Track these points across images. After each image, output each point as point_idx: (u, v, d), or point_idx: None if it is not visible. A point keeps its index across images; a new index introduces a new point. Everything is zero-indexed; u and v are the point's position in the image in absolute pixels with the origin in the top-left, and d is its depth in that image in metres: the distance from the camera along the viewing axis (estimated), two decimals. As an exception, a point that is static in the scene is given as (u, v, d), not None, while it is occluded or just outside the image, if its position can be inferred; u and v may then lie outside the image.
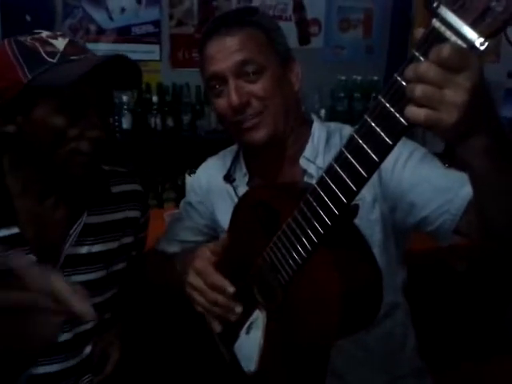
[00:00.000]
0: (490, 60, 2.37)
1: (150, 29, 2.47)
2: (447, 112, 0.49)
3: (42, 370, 0.89)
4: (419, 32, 0.51)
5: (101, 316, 0.97)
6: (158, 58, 2.51)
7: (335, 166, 0.62)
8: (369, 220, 0.87)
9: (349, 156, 0.60)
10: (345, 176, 0.61)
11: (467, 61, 0.48)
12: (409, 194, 0.82)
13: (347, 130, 0.95)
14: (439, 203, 0.78)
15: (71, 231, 0.91)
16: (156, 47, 2.50)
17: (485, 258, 1.66)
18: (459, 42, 0.48)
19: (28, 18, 2.17)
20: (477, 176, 0.60)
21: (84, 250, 0.93)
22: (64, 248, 0.90)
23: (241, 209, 0.84)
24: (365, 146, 0.58)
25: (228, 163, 1.02)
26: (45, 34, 0.83)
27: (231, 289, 0.78)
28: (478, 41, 0.47)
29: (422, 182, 0.81)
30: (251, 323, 0.80)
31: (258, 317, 0.79)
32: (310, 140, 0.94)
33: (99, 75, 0.79)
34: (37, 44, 0.80)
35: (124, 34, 2.42)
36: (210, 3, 2.55)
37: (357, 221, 0.75)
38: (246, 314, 0.80)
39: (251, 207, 0.80)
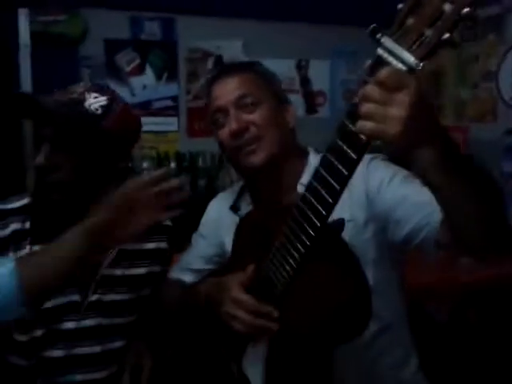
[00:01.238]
0: (488, 120, 2.49)
1: (169, 103, 2.71)
2: (390, 125, 0.58)
3: (66, 378, 0.99)
4: (368, 62, 0.62)
5: (124, 339, 1.05)
6: (176, 129, 2.72)
7: (313, 182, 0.72)
8: (362, 240, 0.94)
9: (323, 172, 0.70)
10: (322, 190, 0.70)
11: (404, 81, 0.58)
12: (393, 212, 0.90)
13: None
14: (420, 217, 0.85)
15: (109, 253, 1.03)
16: (174, 119, 2.72)
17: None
18: (400, 65, 0.60)
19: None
20: (434, 189, 0.67)
21: (118, 272, 1.05)
22: (102, 267, 1.02)
23: (240, 232, 0.93)
24: (335, 162, 0.68)
25: (235, 195, 1.13)
26: None
27: (276, 313, 0.84)
28: (414, 63, 0.59)
29: (404, 200, 0.88)
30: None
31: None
32: (307, 168, 1.02)
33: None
34: None
35: (145, 108, 2.65)
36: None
37: (351, 240, 0.83)
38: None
39: (249, 229, 0.89)
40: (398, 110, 0.58)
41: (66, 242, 0.86)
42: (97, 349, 1.04)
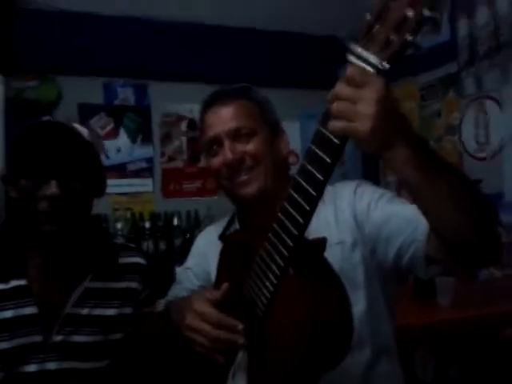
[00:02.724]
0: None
1: (144, 165, 2.72)
2: (361, 122, 0.60)
3: None
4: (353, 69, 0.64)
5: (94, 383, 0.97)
6: (151, 189, 2.71)
7: (291, 191, 0.71)
8: (351, 263, 0.92)
9: (300, 180, 0.69)
10: (299, 198, 0.70)
11: (369, 78, 0.60)
12: (382, 231, 0.89)
13: (328, 186, 1.03)
14: (408, 232, 0.84)
15: (73, 292, 0.98)
16: (149, 180, 2.72)
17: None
18: (368, 67, 0.62)
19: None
20: (413, 188, 0.67)
21: (84, 311, 0.99)
22: (66, 306, 0.97)
23: (224, 254, 0.90)
24: (311, 169, 0.68)
25: (224, 225, 1.10)
26: None
27: (240, 325, 0.80)
28: (380, 63, 0.61)
29: (392, 217, 0.88)
30: (236, 367, 0.80)
31: (243, 357, 0.79)
32: None
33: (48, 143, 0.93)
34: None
35: (120, 170, 2.65)
36: (197, 141, 2.84)
37: (339, 263, 0.81)
38: (232, 358, 0.81)
39: (232, 250, 0.86)
40: (366, 106, 0.60)
41: None
42: None
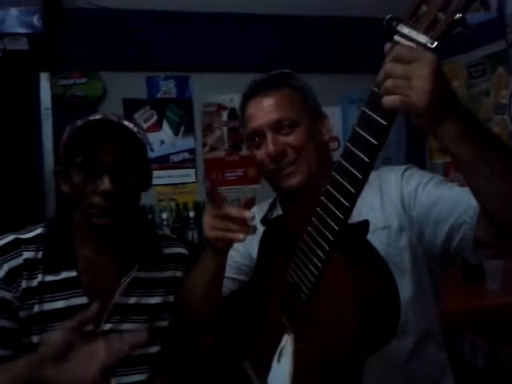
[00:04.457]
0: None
1: (186, 156, 2.76)
2: (417, 96, 0.60)
3: None
4: (387, 46, 0.63)
5: (142, 370, 1.01)
6: (194, 180, 2.75)
7: (335, 175, 0.71)
8: (397, 247, 0.91)
9: (345, 163, 0.69)
10: (344, 182, 0.69)
11: (418, 53, 0.60)
12: (431, 214, 0.88)
13: (375, 172, 1.02)
14: (457, 214, 0.83)
15: (122, 281, 1.02)
16: (192, 171, 2.76)
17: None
18: (415, 47, 0.61)
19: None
20: (464, 166, 0.66)
21: (132, 300, 1.02)
22: (115, 296, 1.00)
23: (266, 238, 0.91)
24: (356, 151, 0.67)
25: (265, 208, 1.11)
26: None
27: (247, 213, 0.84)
28: (430, 42, 0.60)
29: (439, 200, 0.87)
30: (281, 350, 0.81)
31: (287, 342, 0.80)
32: None
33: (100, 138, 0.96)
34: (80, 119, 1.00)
35: (163, 162, 2.71)
36: (238, 130, 2.86)
37: (385, 248, 0.80)
38: (277, 341, 0.82)
39: (274, 235, 0.87)
40: (421, 81, 0.59)
41: (14, 368, 0.81)
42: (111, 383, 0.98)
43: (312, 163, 0.99)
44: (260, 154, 1.02)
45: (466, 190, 0.85)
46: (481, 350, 1.84)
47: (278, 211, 1.08)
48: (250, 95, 1.05)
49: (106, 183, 0.94)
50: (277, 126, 0.99)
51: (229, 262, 1.14)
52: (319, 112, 1.06)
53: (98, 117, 0.99)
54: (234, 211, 0.84)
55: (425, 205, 0.89)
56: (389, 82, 0.60)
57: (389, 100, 0.60)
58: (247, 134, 1.05)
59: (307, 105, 1.03)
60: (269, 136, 0.99)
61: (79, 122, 0.97)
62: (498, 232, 0.73)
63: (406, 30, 0.61)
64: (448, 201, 0.85)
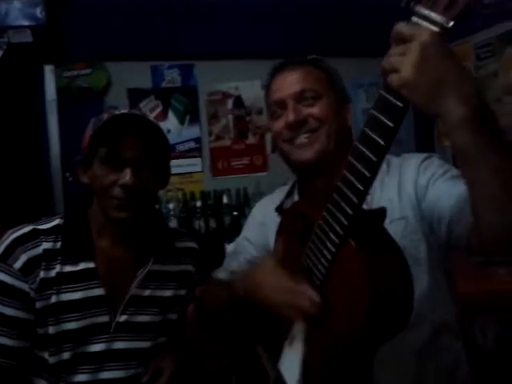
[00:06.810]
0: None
1: (192, 145, 2.76)
2: (405, 70, 0.59)
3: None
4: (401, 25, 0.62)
5: (148, 361, 1.03)
6: (200, 169, 2.75)
7: (351, 159, 0.70)
8: (413, 239, 0.90)
9: (360, 146, 0.68)
10: (359, 165, 0.68)
11: (414, 30, 0.59)
12: (436, 208, 0.87)
13: (395, 159, 1.00)
14: (457, 211, 0.81)
15: (138, 274, 1.02)
16: (198, 160, 2.76)
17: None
18: (432, 27, 0.60)
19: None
20: (461, 155, 0.62)
21: (146, 293, 1.03)
22: (131, 288, 1.01)
23: (283, 225, 0.91)
24: (372, 134, 0.66)
25: (282, 196, 1.08)
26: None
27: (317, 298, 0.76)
28: (447, 22, 0.59)
29: (445, 195, 0.85)
30: (294, 334, 0.81)
31: (299, 327, 0.80)
32: None
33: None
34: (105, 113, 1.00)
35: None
36: (243, 119, 2.85)
37: (401, 239, 0.79)
38: (289, 325, 0.82)
39: (291, 221, 0.87)
40: (410, 55, 0.59)
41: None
42: (121, 374, 1.01)
43: (331, 139, 0.95)
44: (278, 124, 0.98)
45: None
46: (491, 332, 1.84)
47: (294, 199, 1.07)
48: (276, 70, 1.02)
49: (127, 176, 0.94)
50: (300, 97, 0.96)
51: (242, 256, 1.13)
52: (345, 95, 1.04)
53: (124, 111, 1.00)
54: None
55: (432, 199, 0.88)
56: (386, 61, 0.61)
57: (389, 80, 0.61)
58: (269, 106, 1.02)
59: (333, 85, 1.01)
60: (290, 105, 0.95)
61: (105, 116, 0.97)
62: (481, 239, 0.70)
63: (423, 11, 0.60)
64: (452, 197, 0.83)
